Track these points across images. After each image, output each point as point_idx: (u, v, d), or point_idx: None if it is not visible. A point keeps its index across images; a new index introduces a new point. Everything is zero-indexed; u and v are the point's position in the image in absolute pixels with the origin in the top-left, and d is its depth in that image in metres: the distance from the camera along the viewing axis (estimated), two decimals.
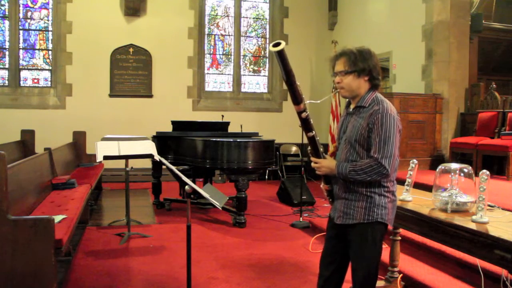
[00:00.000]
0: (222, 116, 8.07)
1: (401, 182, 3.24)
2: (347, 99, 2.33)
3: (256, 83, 9.96)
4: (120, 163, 5.29)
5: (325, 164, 2.22)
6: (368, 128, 2.11)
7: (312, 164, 2.28)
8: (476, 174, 2.48)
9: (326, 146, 8.00)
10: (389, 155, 2.07)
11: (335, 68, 2.23)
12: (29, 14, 8.67)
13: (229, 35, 9.75)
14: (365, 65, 2.15)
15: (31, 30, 8.70)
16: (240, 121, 8.27)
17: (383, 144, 2.07)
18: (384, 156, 2.06)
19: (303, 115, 2.15)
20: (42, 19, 8.73)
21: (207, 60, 9.62)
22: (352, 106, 2.27)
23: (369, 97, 2.18)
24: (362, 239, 2.18)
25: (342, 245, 2.28)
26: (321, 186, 2.39)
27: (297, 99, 2.11)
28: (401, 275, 3.35)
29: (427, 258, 3.70)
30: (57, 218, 3.26)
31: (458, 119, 6.72)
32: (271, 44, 1.98)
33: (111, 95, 8.73)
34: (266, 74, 9.91)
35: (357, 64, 2.15)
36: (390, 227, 2.27)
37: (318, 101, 2.47)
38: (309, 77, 9.66)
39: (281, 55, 1.98)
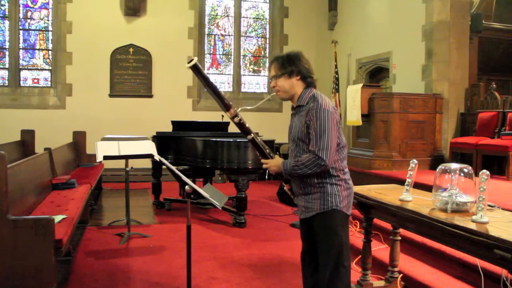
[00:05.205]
0: (222, 116, 8.08)
1: (401, 182, 3.24)
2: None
3: (256, 83, 9.97)
4: (120, 163, 5.29)
5: (273, 163, 2.38)
6: (306, 124, 2.24)
7: (263, 166, 2.43)
8: (476, 174, 2.48)
9: None
10: (325, 147, 2.18)
11: (270, 74, 2.40)
12: (29, 14, 8.68)
13: (229, 35, 9.75)
14: (293, 67, 2.30)
15: (31, 30, 8.71)
16: None
17: (319, 137, 2.19)
18: (320, 149, 2.18)
19: (236, 119, 2.35)
20: (42, 19, 8.74)
21: (207, 60, 9.63)
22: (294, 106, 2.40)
23: (306, 95, 2.32)
24: (322, 229, 2.29)
25: (314, 240, 2.36)
26: (284, 188, 2.51)
27: (225, 106, 2.31)
28: (401, 275, 3.35)
29: (427, 258, 3.70)
30: (57, 218, 3.26)
31: (458, 119, 6.71)
32: (186, 62, 2.20)
33: (111, 95, 8.73)
34: (266, 74, 9.91)
35: (285, 67, 2.31)
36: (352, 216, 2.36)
37: (252, 107, 2.64)
38: None
39: (196, 68, 2.21)
